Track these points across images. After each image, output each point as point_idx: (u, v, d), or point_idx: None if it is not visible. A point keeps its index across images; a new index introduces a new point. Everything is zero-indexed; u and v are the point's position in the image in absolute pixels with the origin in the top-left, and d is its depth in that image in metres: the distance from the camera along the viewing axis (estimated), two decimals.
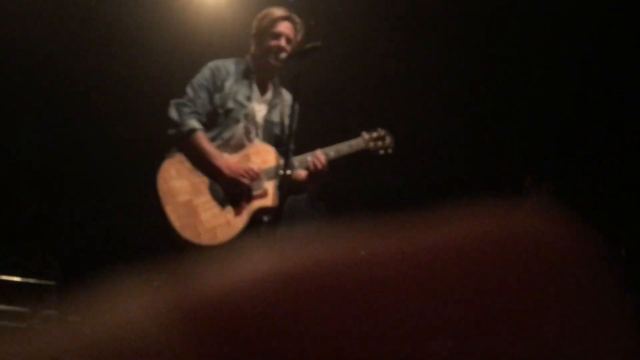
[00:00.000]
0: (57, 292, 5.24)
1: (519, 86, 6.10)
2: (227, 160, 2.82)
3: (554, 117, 6.15)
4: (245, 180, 2.77)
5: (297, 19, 3.02)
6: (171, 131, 2.83)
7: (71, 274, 5.50)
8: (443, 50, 6.07)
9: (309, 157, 2.94)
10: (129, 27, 5.52)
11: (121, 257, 5.68)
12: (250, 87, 3.01)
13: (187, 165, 2.79)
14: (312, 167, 2.90)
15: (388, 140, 3.14)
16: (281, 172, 2.72)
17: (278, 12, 2.98)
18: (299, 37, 3.03)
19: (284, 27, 2.96)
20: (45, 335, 0.37)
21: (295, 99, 2.77)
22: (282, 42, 2.94)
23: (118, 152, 5.69)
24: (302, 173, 2.98)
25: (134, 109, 5.65)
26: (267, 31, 2.95)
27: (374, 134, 3.12)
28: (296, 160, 2.94)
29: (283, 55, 2.93)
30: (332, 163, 2.97)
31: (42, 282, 5.24)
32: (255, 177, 2.81)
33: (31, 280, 5.19)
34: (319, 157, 2.91)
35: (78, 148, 5.79)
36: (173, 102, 2.87)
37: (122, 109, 5.75)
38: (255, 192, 2.83)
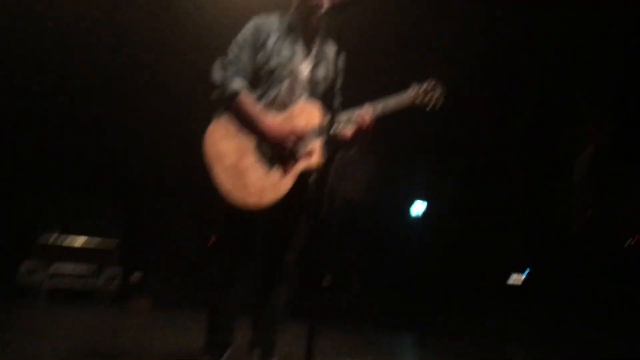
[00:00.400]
0: (120, 251, 5.49)
1: None
2: (272, 121, 2.77)
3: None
4: (291, 141, 2.74)
5: None
6: (216, 91, 2.80)
7: (133, 233, 5.73)
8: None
9: (356, 113, 2.87)
10: None
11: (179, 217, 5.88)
12: (294, 43, 2.93)
13: (233, 126, 2.77)
14: (359, 121, 2.83)
15: (438, 92, 3.00)
16: (327, 131, 2.64)
17: None
18: None
19: None
20: None
21: (338, 52, 2.64)
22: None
23: (173, 114, 5.77)
24: (348, 131, 2.92)
25: (187, 66, 5.64)
26: None
27: (424, 86, 2.99)
28: (343, 116, 2.88)
29: (325, 7, 2.82)
30: (380, 118, 2.90)
31: (106, 240, 5.47)
32: (301, 137, 2.76)
33: (96, 239, 5.44)
34: (365, 114, 2.83)
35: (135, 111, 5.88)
36: (217, 62, 2.83)
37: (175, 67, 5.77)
38: (302, 152, 2.79)
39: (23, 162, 5.72)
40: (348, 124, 2.87)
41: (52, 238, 5.33)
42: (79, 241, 5.41)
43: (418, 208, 8.98)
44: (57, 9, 5.37)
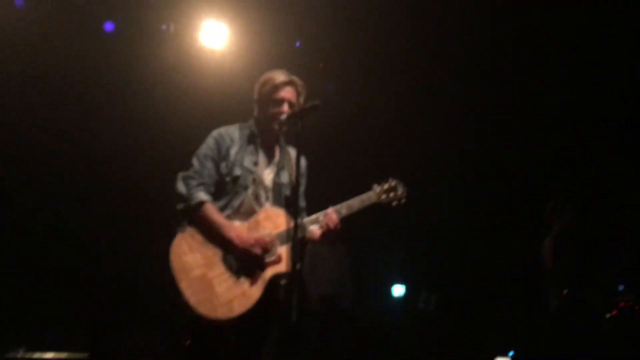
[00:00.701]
0: None
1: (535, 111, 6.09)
2: (238, 231, 2.78)
3: (573, 142, 6.12)
4: (257, 251, 2.74)
5: (298, 82, 3.01)
6: (180, 205, 2.81)
7: (101, 345, 5.53)
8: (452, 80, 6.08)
9: (321, 217, 2.91)
10: (135, 103, 5.63)
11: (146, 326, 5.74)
12: (256, 151, 3.00)
13: (199, 238, 2.77)
14: (324, 226, 2.87)
15: (400, 190, 3.09)
16: (293, 236, 2.66)
17: (279, 77, 2.96)
18: (302, 99, 3.02)
19: (286, 93, 2.95)
20: None
21: (299, 156, 2.72)
22: (285, 107, 2.93)
23: (135, 228, 5.79)
24: (316, 232, 2.95)
25: (144, 185, 5.77)
26: (269, 98, 2.95)
27: (385, 186, 3.07)
28: (308, 220, 2.92)
29: (283, 116, 2.92)
30: (345, 219, 2.95)
31: (75, 354, 5.25)
32: (267, 245, 2.77)
33: (64, 355, 5.21)
34: (331, 216, 2.88)
35: (96, 225, 5.89)
36: (180, 175, 2.86)
37: (133, 185, 5.87)
38: (269, 259, 2.79)
39: None
40: (314, 225, 2.91)
41: (19, 354, 5.10)
42: (47, 356, 5.17)
43: (398, 290, 8.93)
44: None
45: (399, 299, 8.87)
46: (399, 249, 8.10)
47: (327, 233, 2.88)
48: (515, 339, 7.14)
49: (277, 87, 2.95)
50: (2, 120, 5.46)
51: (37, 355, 5.12)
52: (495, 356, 6.92)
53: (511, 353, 6.95)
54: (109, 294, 5.95)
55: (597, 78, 5.79)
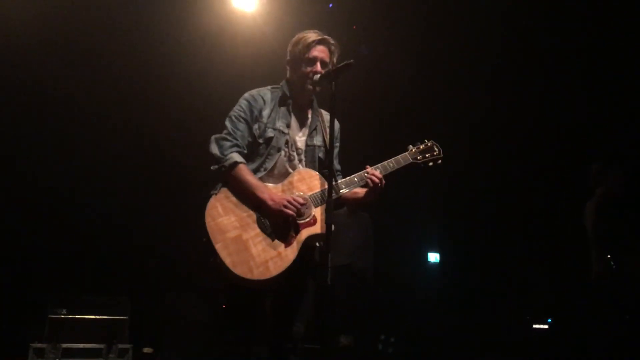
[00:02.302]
0: (129, 327, 5.41)
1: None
2: (271, 192, 2.75)
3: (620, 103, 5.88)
4: (290, 211, 2.70)
5: (331, 41, 2.93)
6: (214, 167, 2.80)
7: (141, 308, 5.67)
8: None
9: (356, 178, 2.85)
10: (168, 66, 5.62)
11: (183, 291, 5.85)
12: (288, 113, 2.95)
13: (233, 199, 2.75)
14: (370, 183, 2.82)
15: (436, 150, 3.03)
16: (328, 197, 2.61)
17: (311, 36, 2.89)
18: (335, 58, 2.94)
19: (318, 52, 2.88)
20: None
21: (332, 118, 2.66)
22: (318, 67, 2.87)
23: (172, 193, 5.85)
24: (360, 191, 2.92)
25: (178, 151, 5.81)
26: (302, 57, 2.89)
27: (421, 146, 3.02)
28: (343, 181, 2.87)
29: (316, 76, 2.85)
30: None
31: (115, 317, 5.40)
32: (300, 205, 2.73)
33: (104, 317, 5.37)
34: (374, 172, 2.83)
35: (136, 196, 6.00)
36: (213, 137, 2.84)
37: (167, 152, 5.92)
38: (304, 220, 2.76)
39: (30, 246, 5.77)
40: (350, 187, 2.86)
41: (62, 316, 5.28)
42: (87, 319, 5.34)
43: (433, 257, 8.93)
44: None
45: (434, 265, 8.84)
46: (436, 216, 8.02)
47: (373, 189, 2.84)
48: (555, 306, 7.02)
49: (309, 46, 2.88)
50: (23, 87, 5.54)
51: (76, 319, 5.30)
52: (533, 323, 6.84)
53: (549, 320, 6.86)
54: (148, 259, 6.08)
55: None
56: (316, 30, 2.96)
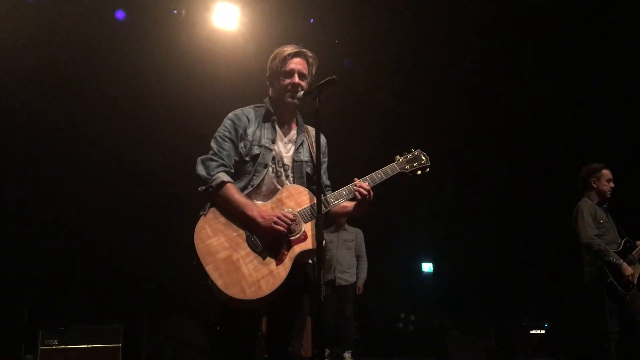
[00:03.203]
0: (123, 354, 5.33)
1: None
2: (260, 209, 2.73)
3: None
4: (280, 227, 2.67)
5: (308, 53, 2.94)
6: (201, 187, 2.77)
7: (134, 334, 5.60)
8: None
9: (344, 192, 2.84)
10: (152, 88, 5.61)
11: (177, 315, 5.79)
12: (273, 129, 2.94)
13: (222, 219, 2.72)
14: (358, 195, 2.80)
15: (424, 159, 3.02)
16: (317, 212, 2.59)
17: (287, 49, 2.90)
18: (314, 69, 2.94)
19: (295, 64, 2.88)
20: None
21: (318, 133, 2.66)
22: (295, 78, 2.86)
23: (161, 218, 5.82)
24: (348, 205, 2.90)
25: (164, 174, 5.79)
26: (279, 70, 2.89)
27: (408, 155, 3.02)
28: (332, 196, 2.85)
29: (300, 93, 2.85)
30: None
31: (108, 345, 5.33)
32: (290, 222, 2.71)
33: (98, 345, 5.29)
34: (362, 184, 2.81)
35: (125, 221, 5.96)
36: (199, 159, 2.82)
37: (153, 175, 5.90)
38: (294, 237, 2.73)
39: (20, 276, 5.70)
40: (339, 200, 2.84)
41: (53, 347, 5.20)
42: (80, 348, 5.27)
43: (427, 267, 8.91)
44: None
45: (428, 275, 8.83)
46: (428, 227, 8.03)
47: (361, 202, 2.83)
48: (550, 311, 7.03)
49: (285, 59, 2.88)
50: (17, 113, 5.51)
51: (70, 345, 5.22)
52: (530, 329, 6.83)
53: (546, 325, 6.86)
54: (140, 285, 6.02)
55: None
56: (293, 44, 2.96)
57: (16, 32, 5.03)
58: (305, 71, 2.91)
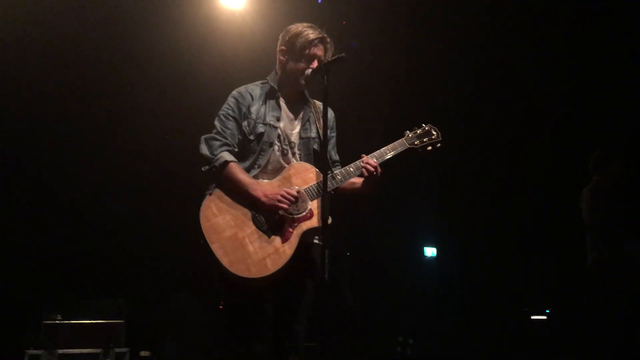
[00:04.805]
0: (126, 331, 5.36)
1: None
2: (264, 188, 2.72)
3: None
4: (284, 205, 2.66)
5: (328, 39, 2.90)
6: (205, 167, 2.77)
7: (137, 311, 5.63)
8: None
9: (351, 168, 2.80)
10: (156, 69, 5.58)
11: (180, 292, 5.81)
12: (278, 106, 2.91)
13: (226, 199, 2.72)
14: (365, 172, 2.76)
15: (434, 134, 2.95)
16: (324, 189, 2.56)
17: (312, 34, 2.85)
18: (329, 55, 2.90)
19: (319, 50, 2.86)
20: None
21: (326, 110, 2.62)
22: (315, 64, 2.83)
23: (167, 195, 5.82)
24: (356, 181, 2.87)
25: (170, 152, 5.77)
26: (301, 52, 2.83)
27: (418, 131, 2.95)
28: (339, 172, 2.82)
29: (308, 71, 2.82)
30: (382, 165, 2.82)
31: (112, 321, 5.36)
32: (294, 199, 2.69)
33: (101, 321, 5.32)
34: (369, 160, 2.77)
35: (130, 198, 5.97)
36: (203, 137, 2.81)
37: (159, 153, 5.89)
38: (300, 214, 2.72)
39: (23, 251, 5.72)
40: (347, 177, 2.81)
41: (57, 322, 5.24)
42: (83, 324, 5.30)
43: (430, 252, 8.88)
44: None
45: (431, 260, 8.81)
46: (431, 210, 7.98)
47: (369, 179, 2.79)
48: (552, 297, 7.02)
49: (310, 43, 2.84)
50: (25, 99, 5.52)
51: (74, 320, 5.26)
52: (531, 315, 6.83)
53: (548, 311, 6.85)
54: (144, 261, 6.03)
55: None
56: (312, 25, 2.93)
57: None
58: (323, 57, 2.87)
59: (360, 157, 2.83)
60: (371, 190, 2.87)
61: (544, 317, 6.81)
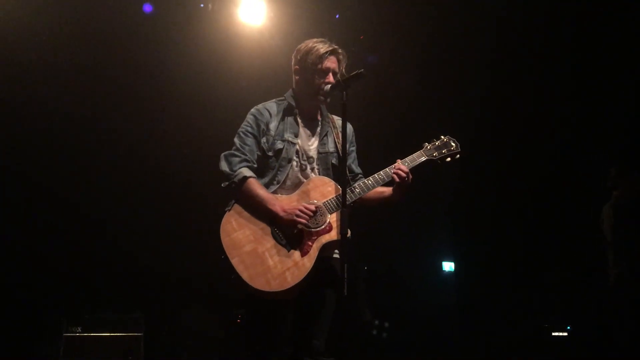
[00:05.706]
0: (144, 343, 5.39)
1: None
2: (282, 203, 2.74)
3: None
4: (302, 219, 2.67)
5: (339, 50, 2.91)
6: (224, 183, 2.80)
7: (156, 324, 5.66)
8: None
9: (380, 175, 2.80)
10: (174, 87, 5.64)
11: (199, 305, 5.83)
12: (296, 123, 2.93)
13: (246, 214, 2.74)
14: (397, 178, 2.76)
15: (453, 145, 2.95)
16: (343, 202, 2.55)
17: (322, 47, 2.86)
18: (343, 66, 2.91)
19: (331, 62, 2.86)
20: None
21: (344, 126, 2.64)
22: (331, 78, 2.84)
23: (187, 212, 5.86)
24: (384, 189, 2.87)
25: (190, 169, 5.81)
26: (314, 68, 2.85)
27: (437, 142, 2.95)
28: (359, 185, 2.80)
29: (327, 87, 2.84)
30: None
31: (131, 334, 5.39)
32: (312, 213, 2.70)
33: (120, 334, 5.36)
34: (401, 166, 2.77)
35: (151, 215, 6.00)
36: (222, 154, 2.84)
37: (179, 170, 5.93)
38: (319, 227, 2.73)
39: (44, 264, 5.79)
40: (371, 187, 2.80)
41: (77, 334, 5.28)
42: (103, 336, 5.34)
43: (448, 266, 8.84)
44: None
45: (449, 274, 8.75)
46: (450, 224, 7.93)
47: (400, 185, 2.77)
48: (573, 313, 6.91)
49: (322, 57, 2.85)
50: (41, 105, 5.59)
51: (94, 333, 5.30)
52: (552, 331, 6.73)
53: (569, 327, 6.75)
54: (163, 276, 6.07)
55: None
56: (323, 39, 2.94)
57: (39, 24, 5.10)
58: (337, 69, 2.88)
59: (370, 171, 2.85)
60: (401, 198, 2.86)
61: (565, 334, 6.71)
